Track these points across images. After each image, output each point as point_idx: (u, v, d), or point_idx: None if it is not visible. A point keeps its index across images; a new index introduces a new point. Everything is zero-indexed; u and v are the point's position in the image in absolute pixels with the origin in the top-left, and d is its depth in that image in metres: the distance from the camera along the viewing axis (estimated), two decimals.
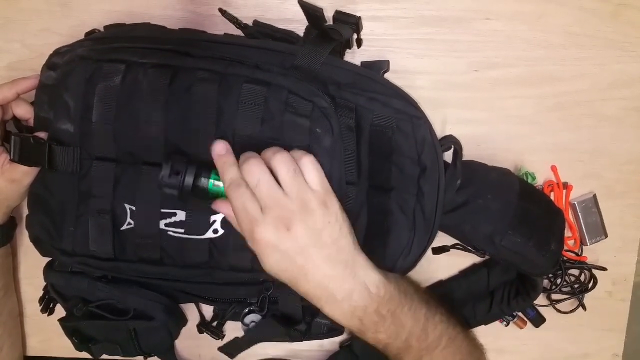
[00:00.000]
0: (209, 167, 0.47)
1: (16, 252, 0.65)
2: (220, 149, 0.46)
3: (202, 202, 0.49)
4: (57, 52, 0.52)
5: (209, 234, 0.50)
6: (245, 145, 0.48)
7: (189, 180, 0.46)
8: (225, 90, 0.49)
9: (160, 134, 0.49)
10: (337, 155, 0.49)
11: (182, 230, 0.50)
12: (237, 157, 0.48)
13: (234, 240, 0.50)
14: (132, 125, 0.49)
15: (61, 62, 0.51)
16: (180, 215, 0.50)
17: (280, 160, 0.44)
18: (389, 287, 0.47)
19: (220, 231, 0.50)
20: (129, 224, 0.50)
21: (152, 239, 0.50)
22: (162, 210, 0.50)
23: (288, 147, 0.47)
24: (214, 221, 0.50)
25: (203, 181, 0.47)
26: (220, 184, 0.47)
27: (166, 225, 0.50)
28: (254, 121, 0.48)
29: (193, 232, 0.50)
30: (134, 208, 0.50)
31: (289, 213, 0.43)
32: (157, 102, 0.48)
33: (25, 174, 0.52)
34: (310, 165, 0.45)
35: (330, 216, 0.45)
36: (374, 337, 0.47)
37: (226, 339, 0.62)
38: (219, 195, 0.47)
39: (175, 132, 0.49)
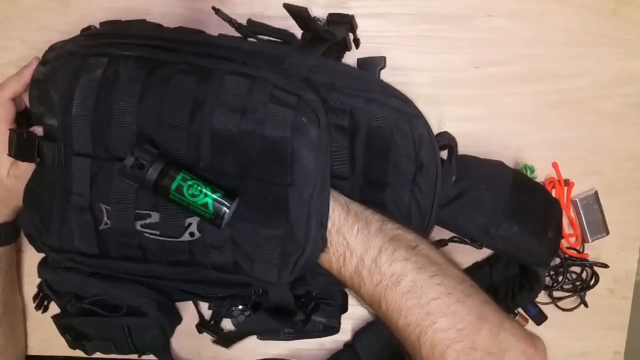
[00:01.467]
0: (179, 168, 0.44)
1: (19, 250, 0.65)
2: None
3: (162, 199, 0.46)
4: (52, 48, 0.52)
5: (186, 237, 0.47)
6: (222, 140, 0.45)
7: (152, 174, 0.43)
8: (205, 81, 0.46)
9: (132, 125, 0.46)
10: (323, 148, 0.47)
11: (157, 232, 0.47)
12: (212, 152, 0.46)
13: (211, 242, 0.47)
14: (107, 117, 0.47)
15: (51, 57, 0.51)
16: (155, 216, 0.47)
17: None
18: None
19: (197, 234, 0.47)
20: (106, 223, 0.48)
21: (130, 239, 0.48)
22: (137, 211, 0.47)
23: (268, 140, 0.45)
24: (190, 224, 0.47)
25: (166, 181, 0.43)
26: (185, 191, 0.43)
27: (142, 226, 0.47)
28: (234, 113, 0.45)
29: (168, 234, 0.47)
30: (109, 208, 0.47)
31: None
32: (131, 92, 0.46)
33: (28, 172, 0.52)
34: None
35: None
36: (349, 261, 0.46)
37: None
38: (180, 200, 0.44)
39: (148, 123, 0.46)
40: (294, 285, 0.53)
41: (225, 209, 0.44)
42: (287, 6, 0.50)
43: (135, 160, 0.43)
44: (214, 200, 0.44)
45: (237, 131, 0.45)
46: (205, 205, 0.44)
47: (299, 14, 0.50)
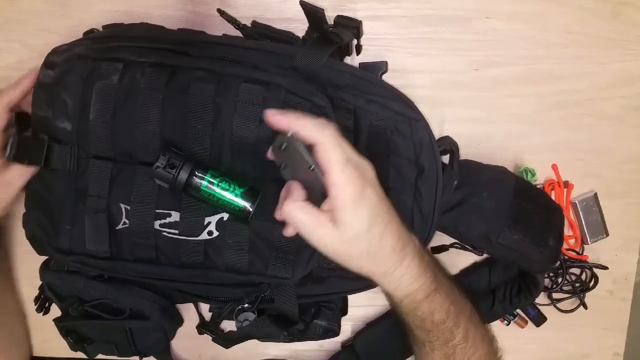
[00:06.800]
0: (206, 168, 0.47)
1: (15, 252, 0.65)
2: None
3: (192, 201, 0.49)
4: (56, 51, 0.52)
5: (204, 236, 0.50)
6: (242, 145, 0.48)
7: (183, 175, 0.46)
8: (222, 90, 0.49)
9: (156, 132, 0.49)
10: None
11: (177, 231, 0.50)
12: (233, 157, 0.48)
13: (230, 241, 0.50)
14: (129, 124, 0.49)
15: (59, 60, 0.51)
16: (175, 216, 0.50)
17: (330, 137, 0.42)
18: (425, 252, 0.48)
19: (215, 233, 0.50)
20: (124, 223, 0.50)
21: (147, 239, 0.50)
22: (157, 211, 0.49)
23: None
24: (209, 223, 0.50)
25: (197, 180, 0.47)
26: (215, 187, 0.47)
27: (161, 225, 0.50)
28: (252, 121, 0.48)
29: (187, 233, 0.50)
30: (129, 207, 0.50)
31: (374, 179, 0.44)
32: (154, 101, 0.48)
33: (19, 176, 0.52)
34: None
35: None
36: (439, 298, 0.47)
37: None
38: (210, 197, 0.47)
39: (171, 131, 0.49)
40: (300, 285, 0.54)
41: (252, 202, 0.47)
42: (303, 4, 0.51)
43: (168, 161, 0.46)
44: (242, 193, 0.47)
45: (255, 138, 0.48)
46: (234, 198, 0.47)
47: (315, 13, 0.51)
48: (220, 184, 0.47)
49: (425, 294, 0.46)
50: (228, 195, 0.47)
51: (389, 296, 0.48)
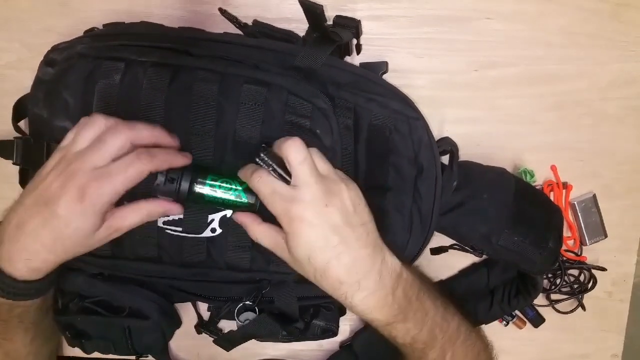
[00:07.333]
0: (206, 171, 0.47)
1: None
2: None
3: (199, 206, 0.49)
4: (56, 48, 0.52)
5: (207, 233, 0.50)
6: (245, 146, 0.48)
7: (184, 186, 0.46)
8: (225, 90, 0.49)
9: None
10: (336, 156, 0.49)
11: (180, 229, 0.50)
12: (236, 157, 0.48)
13: (232, 239, 0.50)
14: None
15: (59, 58, 0.51)
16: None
17: (294, 145, 0.43)
18: (409, 271, 0.47)
19: (218, 230, 0.50)
20: None
21: (150, 237, 0.50)
22: None
23: None
24: (212, 220, 0.50)
25: (199, 187, 0.47)
26: (218, 190, 0.47)
27: (164, 223, 0.50)
28: (255, 122, 0.48)
29: (191, 230, 0.50)
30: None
31: (323, 193, 0.43)
32: (157, 101, 0.48)
33: (130, 227, 0.46)
34: (318, 153, 0.46)
35: (358, 198, 0.45)
36: (403, 327, 0.46)
37: None
38: (215, 200, 0.47)
39: (175, 131, 0.49)
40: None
41: (256, 195, 0.47)
42: (302, 1, 0.51)
43: (166, 177, 0.46)
44: (244, 190, 0.48)
45: (258, 139, 0.48)
46: (238, 197, 0.48)
47: (314, 11, 0.51)
48: (222, 185, 0.47)
49: (382, 323, 0.46)
50: (232, 197, 0.47)
51: None
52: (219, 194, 0.47)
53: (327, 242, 0.43)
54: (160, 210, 0.47)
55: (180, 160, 0.46)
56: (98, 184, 0.42)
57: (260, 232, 0.47)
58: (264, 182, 0.44)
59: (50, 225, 0.43)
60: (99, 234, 0.45)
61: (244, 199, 0.48)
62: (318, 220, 0.43)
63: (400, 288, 0.46)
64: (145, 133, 0.45)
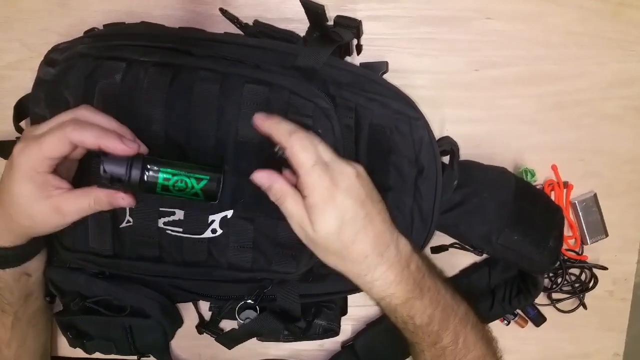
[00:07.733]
0: (161, 160, 0.45)
1: None
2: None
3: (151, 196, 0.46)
4: (56, 49, 0.52)
5: (207, 234, 0.50)
6: (247, 145, 0.48)
7: (135, 174, 0.43)
8: (226, 90, 0.49)
9: (161, 132, 0.49)
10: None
11: (181, 230, 0.50)
12: (238, 158, 0.48)
13: (233, 239, 0.50)
14: (132, 124, 0.48)
15: (60, 58, 0.51)
16: (179, 214, 0.50)
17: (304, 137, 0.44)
18: (416, 251, 0.48)
19: (219, 231, 0.50)
20: (128, 222, 0.50)
21: (150, 237, 0.50)
22: (161, 209, 0.49)
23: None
24: (213, 221, 0.50)
25: (151, 175, 0.44)
26: (173, 179, 0.44)
27: (165, 224, 0.50)
28: None
29: (191, 231, 0.50)
30: (132, 206, 0.49)
31: (352, 167, 0.45)
32: (158, 101, 0.48)
33: (76, 212, 0.46)
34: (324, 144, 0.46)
35: (370, 181, 0.46)
36: (421, 304, 0.47)
37: None
38: (169, 190, 0.45)
39: (176, 131, 0.49)
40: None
41: (214, 190, 0.46)
42: (303, 1, 0.51)
43: (111, 177, 0.43)
44: (201, 189, 0.46)
45: (260, 138, 0.47)
46: (196, 194, 0.46)
47: (315, 11, 0.51)
48: (176, 185, 0.45)
49: (401, 300, 0.46)
50: (188, 193, 0.45)
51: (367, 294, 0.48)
52: (173, 190, 0.45)
53: (357, 214, 0.44)
54: (105, 199, 0.45)
55: (120, 146, 0.43)
56: (25, 150, 0.44)
57: (288, 192, 0.44)
58: (308, 146, 0.43)
59: None
60: (39, 206, 0.45)
61: (201, 196, 0.46)
62: (350, 193, 0.44)
63: (414, 263, 0.47)
64: (85, 113, 0.45)
